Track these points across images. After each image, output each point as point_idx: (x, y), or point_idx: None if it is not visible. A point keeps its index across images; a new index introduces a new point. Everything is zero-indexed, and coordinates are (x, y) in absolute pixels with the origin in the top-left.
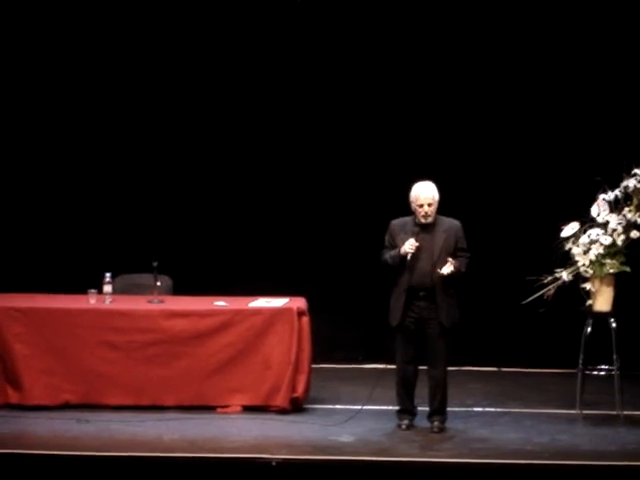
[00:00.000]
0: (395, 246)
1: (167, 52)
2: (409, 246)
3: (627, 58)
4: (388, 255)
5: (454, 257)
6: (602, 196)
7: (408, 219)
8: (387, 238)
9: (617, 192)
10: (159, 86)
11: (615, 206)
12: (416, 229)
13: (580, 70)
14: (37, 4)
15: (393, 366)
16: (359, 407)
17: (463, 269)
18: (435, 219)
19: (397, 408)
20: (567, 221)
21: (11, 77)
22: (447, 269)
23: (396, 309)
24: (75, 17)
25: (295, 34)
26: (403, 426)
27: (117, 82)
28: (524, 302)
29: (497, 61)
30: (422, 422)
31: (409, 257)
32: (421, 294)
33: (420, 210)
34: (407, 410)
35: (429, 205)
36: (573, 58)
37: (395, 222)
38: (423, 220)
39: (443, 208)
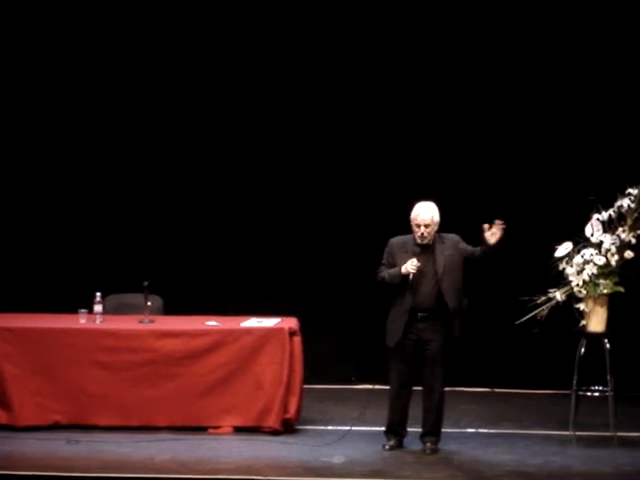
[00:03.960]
0: (394, 265)
1: (166, 54)
2: (411, 266)
3: (620, 78)
4: (387, 273)
5: (469, 259)
6: (596, 216)
7: (408, 238)
8: (386, 255)
9: (611, 212)
10: (154, 96)
11: (609, 226)
12: (417, 249)
13: (574, 90)
14: (37, 4)
15: (385, 386)
16: (349, 428)
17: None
18: (435, 239)
19: (384, 428)
20: (561, 241)
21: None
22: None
23: (394, 329)
24: (75, 17)
25: (295, 34)
26: (387, 447)
27: (110, 94)
28: (517, 322)
29: (495, 79)
30: (414, 443)
31: (411, 277)
32: (420, 315)
33: (417, 230)
34: (394, 431)
35: (426, 226)
36: (567, 77)
37: (394, 240)
38: (419, 241)
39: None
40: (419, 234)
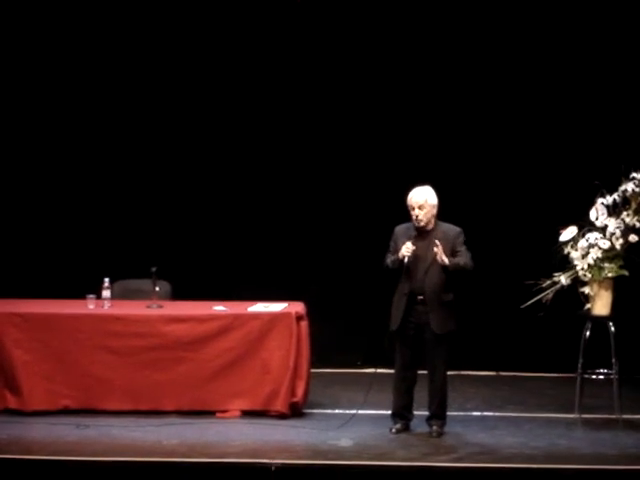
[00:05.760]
0: (398, 251)
1: (167, 53)
2: (405, 249)
3: (624, 63)
4: (389, 259)
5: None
6: (600, 200)
7: (411, 224)
8: (391, 243)
9: (615, 196)
10: (158, 89)
11: (613, 210)
12: (413, 233)
13: (578, 75)
14: (37, 4)
15: (391, 370)
16: (355, 412)
17: (462, 263)
18: (435, 225)
19: (390, 412)
20: (565, 225)
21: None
22: (441, 257)
23: (396, 314)
24: (75, 17)
25: (295, 34)
26: (393, 430)
27: (114, 86)
28: (523, 306)
29: (496, 65)
30: (421, 426)
31: (406, 260)
32: (419, 299)
33: (412, 213)
34: (400, 414)
35: (420, 208)
36: (571, 63)
37: (399, 227)
38: (416, 224)
39: (442, 212)
40: (414, 217)
